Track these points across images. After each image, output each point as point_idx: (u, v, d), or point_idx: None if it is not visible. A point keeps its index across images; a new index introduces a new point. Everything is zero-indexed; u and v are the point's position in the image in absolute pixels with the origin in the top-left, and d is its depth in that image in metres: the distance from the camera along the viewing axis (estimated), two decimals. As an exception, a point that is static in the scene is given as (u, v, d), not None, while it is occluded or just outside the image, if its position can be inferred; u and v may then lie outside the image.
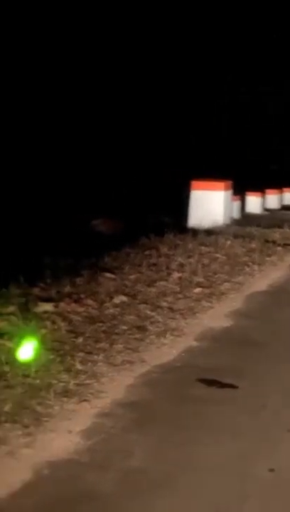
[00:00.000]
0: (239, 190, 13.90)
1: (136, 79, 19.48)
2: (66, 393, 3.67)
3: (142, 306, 5.58)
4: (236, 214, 13.98)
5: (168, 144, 19.61)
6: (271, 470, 2.98)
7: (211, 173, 12.84)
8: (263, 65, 25.07)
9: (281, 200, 17.63)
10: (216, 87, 22.79)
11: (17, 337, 4.26)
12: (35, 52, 16.92)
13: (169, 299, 5.93)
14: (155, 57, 20.38)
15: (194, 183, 11.97)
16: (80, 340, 4.54)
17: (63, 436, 3.23)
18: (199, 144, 20.42)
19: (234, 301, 6.23)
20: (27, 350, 4.12)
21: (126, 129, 18.79)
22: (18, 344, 4.17)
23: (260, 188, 16.05)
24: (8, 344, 4.19)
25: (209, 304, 5.99)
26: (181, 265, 7.31)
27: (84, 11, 18.58)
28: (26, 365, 3.92)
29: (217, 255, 8.18)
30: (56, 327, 4.73)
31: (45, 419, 3.36)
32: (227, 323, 5.48)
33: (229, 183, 12.28)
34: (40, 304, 5.17)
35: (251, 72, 24.93)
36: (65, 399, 3.61)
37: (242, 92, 24.14)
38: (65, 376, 3.89)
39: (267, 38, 25.29)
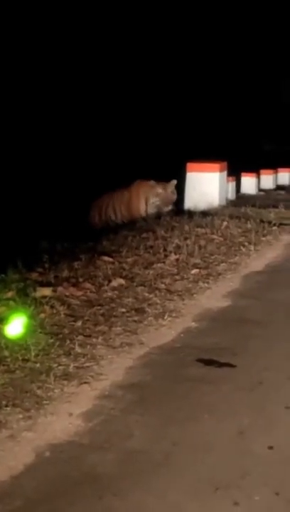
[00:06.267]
0: (234, 171, 13.87)
1: (131, 58, 19.38)
2: (66, 376, 3.71)
3: (140, 288, 5.61)
4: (231, 195, 13.96)
5: (162, 126, 19.56)
6: (270, 447, 3.02)
7: (206, 154, 12.79)
8: (259, 44, 24.93)
9: (276, 180, 17.59)
10: (209, 66, 22.68)
11: (14, 319, 4.30)
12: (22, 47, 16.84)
13: (167, 280, 5.95)
14: (151, 39, 20.27)
15: (189, 165, 11.94)
16: (79, 323, 4.57)
17: (64, 418, 3.27)
18: (193, 125, 20.35)
19: (231, 282, 6.26)
20: (18, 328, 4.19)
21: (124, 109, 18.71)
22: (14, 326, 4.22)
23: (255, 168, 16.02)
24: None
25: (206, 285, 6.01)
26: (178, 247, 7.32)
27: (80, 9, 18.47)
28: (26, 349, 3.95)
29: (214, 236, 8.19)
30: (55, 311, 4.76)
31: (46, 402, 3.40)
32: (224, 303, 5.51)
33: (224, 164, 12.25)
34: (38, 288, 5.20)
35: (247, 52, 24.80)
36: (65, 382, 3.64)
37: (236, 72, 24.02)
38: (64, 359, 3.92)
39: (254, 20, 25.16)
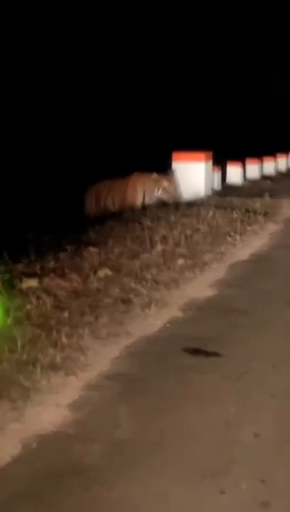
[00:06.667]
0: (220, 161, 13.88)
1: (121, 50, 19.30)
2: (53, 367, 3.70)
3: (126, 279, 5.61)
4: (217, 185, 13.99)
5: (149, 117, 19.50)
6: (257, 435, 3.04)
7: (192, 144, 12.80)
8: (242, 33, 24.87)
9: (261, 169, 17.61)
10: (194, 57, 22.60)
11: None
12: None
13: (153, 271, 5.96)
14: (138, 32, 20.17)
15: (175, 155, 11.95)
16: (65, 314, 4.57)
17: (51, 409, 3.27)
18: (179, 115, 20.31)
19: (217, 271, 6.27)
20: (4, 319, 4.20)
21: (110, 100, 18.64)
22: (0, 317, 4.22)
23: (240, 157, 16.03)
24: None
25: (192, 275, 6.03)
26: (164, 237, 7.33)
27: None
28: (13, 341, 3.95)
29: (200, 226, 8.20)
30: (41, 302, 4.75)
31: (33, 393, 3.39)
32: (210, 293, 5.53)
33: (210, 153, 12.26)
34: (24, 279, 5.18)
35: (233, 43, 24.73)
36: (52, 373, 3.64)
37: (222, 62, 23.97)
38: (51, 350, 3.92)
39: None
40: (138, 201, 11.23)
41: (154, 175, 11.26)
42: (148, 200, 11.12)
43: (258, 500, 2.52)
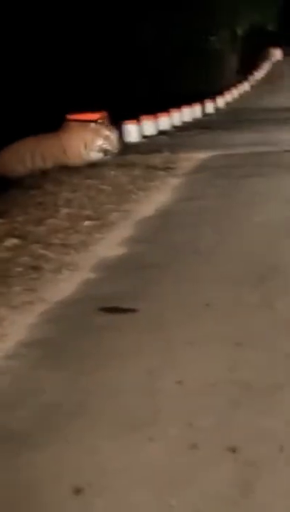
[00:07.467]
0: (115, 120, 13.81)
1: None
2: None
3: (34, 246, 5.56)
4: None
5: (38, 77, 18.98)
6: (179, 382, 3.12)
7: (85, 104, 12.63)
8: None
9: (157, 126, 17.68)
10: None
11: None
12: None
13: (60, 235, 5.93)
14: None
15: (69, 117, 11.79)
16: (-24, 287, 4.50)
17: (-28, 383, 3.24)
18: (70, 75, 19.92)
19: (125, 229, 6.31)
20: None
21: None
22: None
23: (135, 115, 16.01)
24: None
25: (100, 235, 6.04)
26: (68, 201, 7.29)
27: None
28: None
29: (103, 187, 8.20)
30: None
31: None
32: (120, 251, 5.56)
33: (104, 113, 12.17)
34: None
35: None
36: None
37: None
38: None
39: None
40: (82, 154, 10.65)
41: (93, 124, 10.71)
42: (89, 153, 10.62)
43: (186, 444, 2.61)
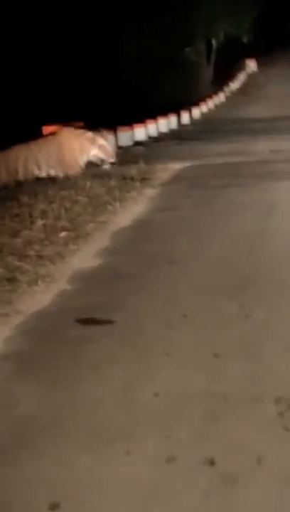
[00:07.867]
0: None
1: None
2: None
3: (9, 257, 5.51)
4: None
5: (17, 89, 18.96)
6: (155, 394, 3.09)
7: (61, 115, 12.59)
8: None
9: (133, 136, 17.69)
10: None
11: None
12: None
13: (36, 247, 5.88)
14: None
15: (45, 129, 11.76)
16: None
17: None
18: (45, 86, 19.91)
19: (101, 240, 6.28)
20: None
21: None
22: None
23: (111, 126, 16.00)
24: None
25: (76, 247, 6.00)
26: (44, 212, 7.24)
27: None
28: None
29: (79, 198, 8.16)
30: None
31: None
32: (96, 262, 5.53)
33: (80, 125, 12.15)
34: None
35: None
36: None
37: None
38: None
39: None
40: (81, 162, 10.43)
41: (89, 133, 10.50)
42: (83, 161, 10.42)
43: (164, 457, 2.58)
